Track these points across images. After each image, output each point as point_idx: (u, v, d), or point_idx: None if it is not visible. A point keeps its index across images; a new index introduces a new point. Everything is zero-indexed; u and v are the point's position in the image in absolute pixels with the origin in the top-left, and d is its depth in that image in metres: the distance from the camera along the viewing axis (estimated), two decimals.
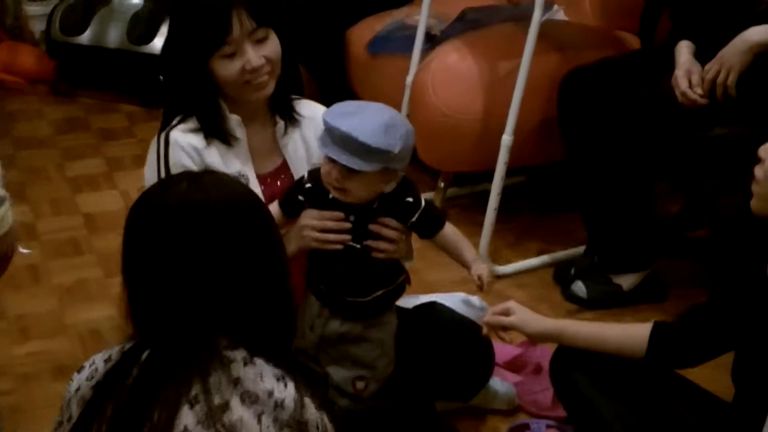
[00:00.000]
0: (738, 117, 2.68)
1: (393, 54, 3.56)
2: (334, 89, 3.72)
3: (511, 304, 2.24)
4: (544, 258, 3.29)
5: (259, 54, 2.16)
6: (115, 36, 4.37)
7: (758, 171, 1.86)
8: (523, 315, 2.21)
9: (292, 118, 2.33)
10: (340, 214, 2.17)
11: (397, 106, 3.42)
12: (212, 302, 1.53)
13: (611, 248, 3.03)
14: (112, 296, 2.97)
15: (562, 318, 2.88)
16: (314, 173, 2.21)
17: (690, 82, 2.67)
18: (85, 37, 4.38)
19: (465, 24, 3.36)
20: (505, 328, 2.22)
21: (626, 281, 3.02)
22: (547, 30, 3.14)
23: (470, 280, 2.29)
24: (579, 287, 3.04)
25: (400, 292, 2.31)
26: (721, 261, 2.92)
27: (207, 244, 1.52)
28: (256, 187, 2.26)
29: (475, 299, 2.79)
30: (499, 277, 3.20)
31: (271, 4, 2.21)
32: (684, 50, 2.78)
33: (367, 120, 2.05)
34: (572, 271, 3.11)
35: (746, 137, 2.70)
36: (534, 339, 2.29)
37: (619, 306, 3.01)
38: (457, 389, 2.44)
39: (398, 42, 3.54)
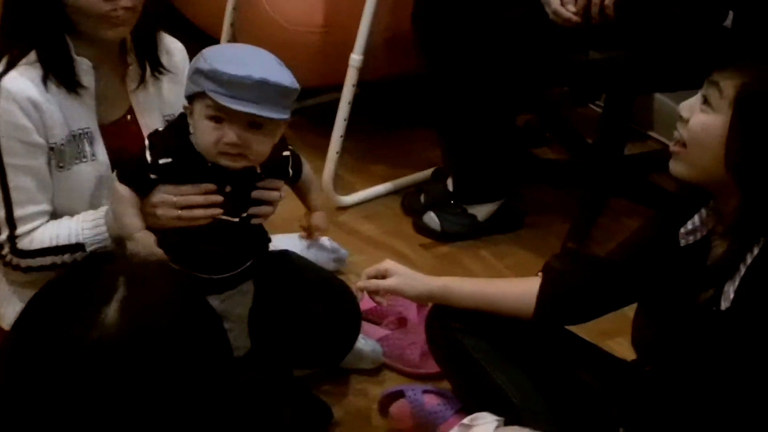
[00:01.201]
0: (615, 40, 2.46)
1: None
2: None
3: (388, 264, 1.98)
4: (388, 185, 3.02)
5: None
6: None
7: (683, 131, 1.65)
8: (404, 277, 1.97)
9: (155, 64, 1.98)
10: (210, 186, 1.83)
11: (220, 18, 3.05)
12: None
13: (466, 175, 2.80)
14: None
15: (414, 251, 2.73)
16: (166, 144, 1.84)
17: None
18: None
19: None
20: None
21: (481, 211, 2.81)
22: None
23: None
24: (431, 218, 2.81)
25: (264, 256, 2.02)
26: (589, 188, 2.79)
27: None
28: (99, 144, 1.92)
29: (326, 240, 2.52)
30: (344, 208, 2.92)
31: None
32: None
33: (264, 61, 1.80)
34: (422, 200, 2.87)
35: (622, 63, 2.51)
36: (417, 301, 2.04)
37: (474, 237, 2.80)
38: (321, 356, 2.17)
39: None
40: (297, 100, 1.85)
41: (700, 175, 1.63)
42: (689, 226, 1.71)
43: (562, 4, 2.43)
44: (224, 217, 1.85)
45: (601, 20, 2.40)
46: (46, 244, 1.89)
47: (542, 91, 3.29)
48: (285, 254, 2.23)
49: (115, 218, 1.84)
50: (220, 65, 1.73)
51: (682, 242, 1.72)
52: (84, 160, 1.92)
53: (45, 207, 1.90)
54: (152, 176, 1.82)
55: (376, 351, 2.28)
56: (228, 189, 1.85)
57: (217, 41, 3.14)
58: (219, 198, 1.84)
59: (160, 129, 1.90)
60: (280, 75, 1.77)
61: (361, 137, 3.17)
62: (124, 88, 1.98)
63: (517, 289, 1.98)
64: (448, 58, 2.61)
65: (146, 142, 1.84)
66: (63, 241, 1.89)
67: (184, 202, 1.83)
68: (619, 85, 2.61)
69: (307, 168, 2.01)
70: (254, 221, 1.91)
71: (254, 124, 1.77)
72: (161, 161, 1.82)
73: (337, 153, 2.83)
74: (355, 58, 2.72)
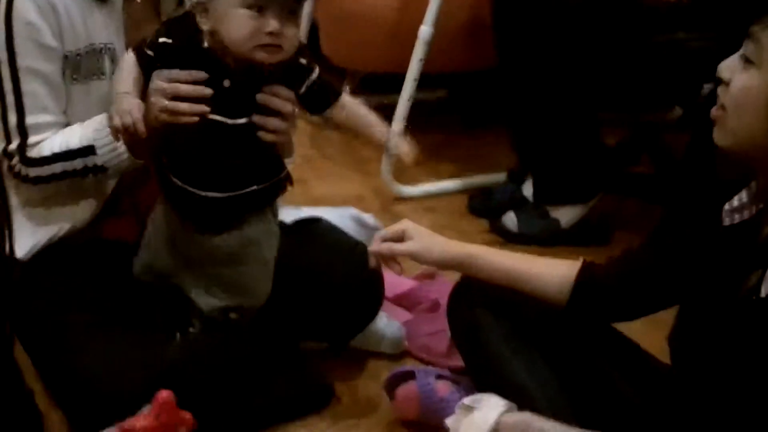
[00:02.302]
0: (705, 22, 2.21)
1: None
2: None
3: (407, 224, 1.76)
4: (457, 182, 2.81)
5: None
6: None
7: (723, 95, 1.42)
8: (424, 239, 1.74)
9: None
10: (198, 74, 1.64)
11: None
12: None
13: (548, 174, 2.56)
14: None
15: None
16: (176, 24, 1.68)
17: None
18: None
19: None
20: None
21: (565, 216, 2.57)
22: None
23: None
24: (510, 218, 2.58)
25: (278, 192, 1.80)
26: (668, 202, 2.52)
27: None
28: None
29: (368, 217, 2.33)
30: (403, 199, 2.72)
31: None
32: None
33: None
34: (497, 200, 2.65)
35: (711, 48, 2.26)
36: (438, 266, 1.82)
37: (553, 245, 2.52)
38: (332, 329, 1.95)
39: None
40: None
41: (743, 142, 1.40)
42: (735, 202, 1.46)
43: None
44: (217, 117, 1.65)
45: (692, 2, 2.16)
46: (56, 149, 1.76)
47: (642, 114, 3.06)
48: (314, 219, 2.06)
49: (114, 84, 1.70)
50: None
51: (726, 221, 1.46)
52: (102, 77, 1.80)
53: (58, 118, 1.78)
54: (149, 53, 1.66)
55: (398, 334, 2.04)
56: (227, 84, 1.65)
57: None
58: (207, 90, 1.64)
59: (174, 17, 1.74)
60: None
61: (434, 135, 3.01)
62: (157, 11, 1.85)
63: (554, 270, 1.73)
64: (526, 44, 2.41)
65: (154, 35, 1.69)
66: (73, 145, 1.75)
67: (173, 90, 1.64)
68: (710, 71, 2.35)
69: (346, 98, 1.78)
70: (261, 135, 1.69)
71: (292, 10, 1.60)
72: (161, 40, 1.66)
73: (399, 132, 2.62)
74: (425, 29, 2.54)
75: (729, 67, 1.42)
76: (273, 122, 1.69)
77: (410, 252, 1.74)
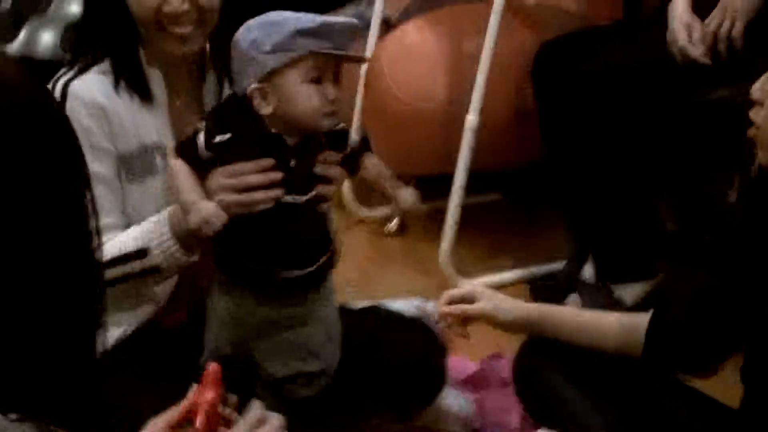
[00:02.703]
0: (744, 74, 2.22)
1: None
2: None
3: (473, 286, 1.76)
4: (518, 272, 2.79)
5: None
6: (46, 46, 3.93)
7: (756, 116, 1.47)
8: (493, 299, 1.73)
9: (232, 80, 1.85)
10: (266, 162, 1.66)
11: (353, 100, 2.98)
12: None
13: (609, 253, 2.55)
14: None
15: None
16: (224, 116, 1.71)
17: (690, 36, 2.22)
18: (13, 48, 3.95)
19: (423, 2, 2.92)
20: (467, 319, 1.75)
21: (630, 293, 2.53)
22: (520, 5, 2.72)
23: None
24: (574, 301, 2.55)
25: (335, 256, 1.81)
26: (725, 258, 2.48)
27: None
28: None
29: (431, 305, 2.29)
30: None
31: None
32: (680, 1, 2.32)
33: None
34: (559, 284, 2.63)
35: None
36: (508, 329, 1.79)
37: None
38: (398, 405, 1.93)
39: None
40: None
41: None
42: None
43: (690, 42, 2.23)
44: (288, 198, 1.67)
45: (729, 56, 2.17)
46: (115, 253, 1.76)
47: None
48: (375, 305, 2.07)
49: (175, 195, 1.70)
50: (318, 18, 1.63)
51: None
52: (156, 174, 1.83)
53: (118, 219, 1.80)
54: (208, 155, 1.68)
55: (467, 411, 2.02)
56: (293, 163, 1.68)
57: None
58: (278, 174, 1.66)
59: (215, 107, 1.78)
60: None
61: (492, 233, 3.03)
62: (200, 105, 1.89)
63: (624, 320, 1.72)
64: (569, 117, 2.43)
65: (200, 125, 1.71)
66: (129, 248, 1.76)
67: (243, 183, 1.66)
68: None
69: (373, 157, 1.81)
70: (320, 206, 1.72)
71: (337, 75, 1.65)
72: (218, 139, 1.67)
73: (454, 225, 2.65)
74: (471, 119, 2.56)
75: (760, 88, 1.45)
76: (329, 190, 1.72)
77: (483, 311, 1.73)
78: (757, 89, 1.47)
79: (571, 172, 2.53)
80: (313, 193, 1.70)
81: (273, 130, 1.67)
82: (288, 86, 1.64)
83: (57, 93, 1.77)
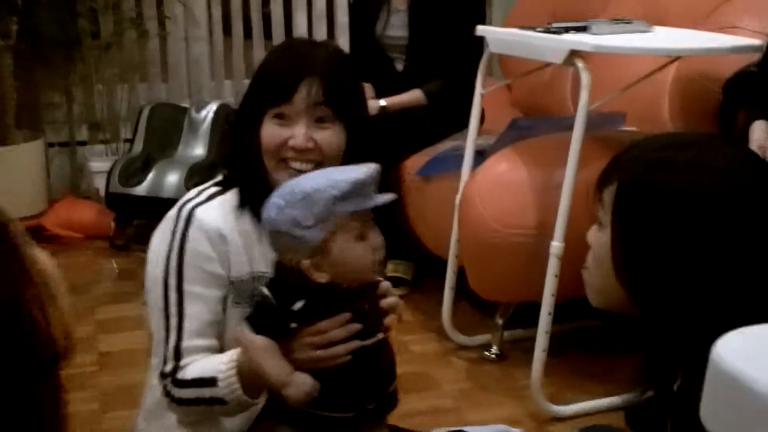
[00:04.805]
0: None
1: (445, 174, 3.25)
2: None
3: None
4: (612, 399, 2.76)
5: (310, 134, 1.85)
6: (171, 186, 4.17)
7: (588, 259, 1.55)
8: None
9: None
10: (345, 317, 1.71)
11: (449, 229, 3.06)
12: None
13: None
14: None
15: None
16: (290, 288, 1.71)
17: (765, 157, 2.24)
18: (142, 188, 4.20)
19: (515, 132, 3.00)
20: None
21: None
22: (603, 138, 2.79)
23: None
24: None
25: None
26: None
27: None
28: None
29: None
30: (558, 419, 2.71)
31: (349, 97, 1.91)
32: (759, 127, 2.35)
33: (327, 170, 1.76)
34: (655, 410, 2.59)
35: None
36: None
37: None
38: None
39: (450, 161, 3.22)
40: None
41: (607, 299, 1.54)
42: None
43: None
44: (365, 343, 1.72)
45: None
46: (195, 375, 1.83)
47: None
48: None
49: (257, 368, 1.71)
50: (349, 178, 1.67)
51: None
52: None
53: (211, 342, 1.87)
54: (292, 326, 1.70)
55: None
56: (367, 307, 1.73)
57: (442, 258, 3.16)
58: (357, 326, 1.71)
59: (269, 281, 1.78)
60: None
61: (585, 352, 3.04)
62: None
63: None
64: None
65: (266, 292, 1.72)
66: (205, 374, 1.82)
67: (324, 340, 1.71)
68: None
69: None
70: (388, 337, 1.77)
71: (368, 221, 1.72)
72: (297, 306, 1.69)
73: (544, 351, 2.66)
74: (556, 245, 2.60)
75: (589, 233, 1.54)
76: (393, 319, 1.77)
77: None
78: (588, 235, 1.54)
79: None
80: (380, 334, 1.74)
81: (344, 287, 1.70)
82: (338, 252, 1.68)
83: (183, 216, 1.87)
